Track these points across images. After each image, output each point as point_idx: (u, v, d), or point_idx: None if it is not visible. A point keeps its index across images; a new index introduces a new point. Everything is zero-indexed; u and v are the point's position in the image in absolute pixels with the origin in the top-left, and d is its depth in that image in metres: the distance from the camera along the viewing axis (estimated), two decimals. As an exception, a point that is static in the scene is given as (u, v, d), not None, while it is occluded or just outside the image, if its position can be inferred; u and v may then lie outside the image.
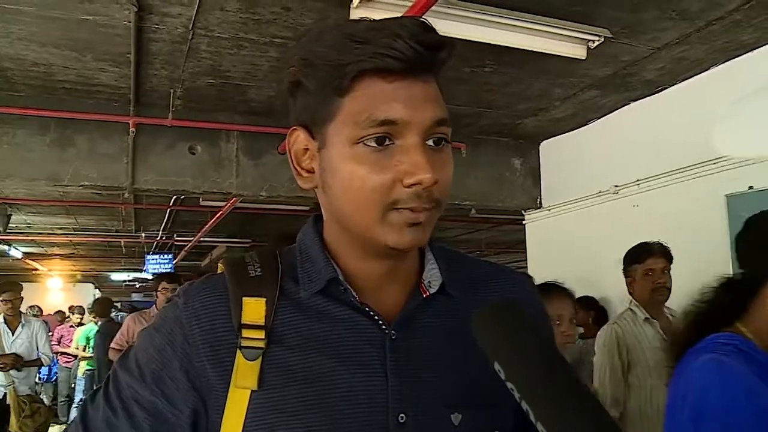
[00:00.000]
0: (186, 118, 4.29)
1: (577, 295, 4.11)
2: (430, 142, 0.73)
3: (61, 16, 2.99)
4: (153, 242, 10.82)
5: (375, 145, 0.71)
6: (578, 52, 3.17)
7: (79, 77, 3.79)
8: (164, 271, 11.51)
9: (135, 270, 15.21)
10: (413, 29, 0.71)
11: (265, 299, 0.78)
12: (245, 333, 0.76)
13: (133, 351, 0.81)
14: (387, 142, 0.72)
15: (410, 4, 2.62)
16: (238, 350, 0.76)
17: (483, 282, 0.88)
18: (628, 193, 4.30)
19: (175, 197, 6.64)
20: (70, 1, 2.82)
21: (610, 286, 4.25)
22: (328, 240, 0.83)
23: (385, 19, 0.74)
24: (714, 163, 3.59)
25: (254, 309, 0.78)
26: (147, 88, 3.99)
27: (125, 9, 2.90)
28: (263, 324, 0.77)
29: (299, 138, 0.80)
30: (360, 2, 2.70)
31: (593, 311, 4.37)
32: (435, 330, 0.81)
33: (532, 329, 0.58)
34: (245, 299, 0.78)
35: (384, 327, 0.78)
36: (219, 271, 0.84)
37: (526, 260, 5.54)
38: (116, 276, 17.26)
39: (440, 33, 0.73)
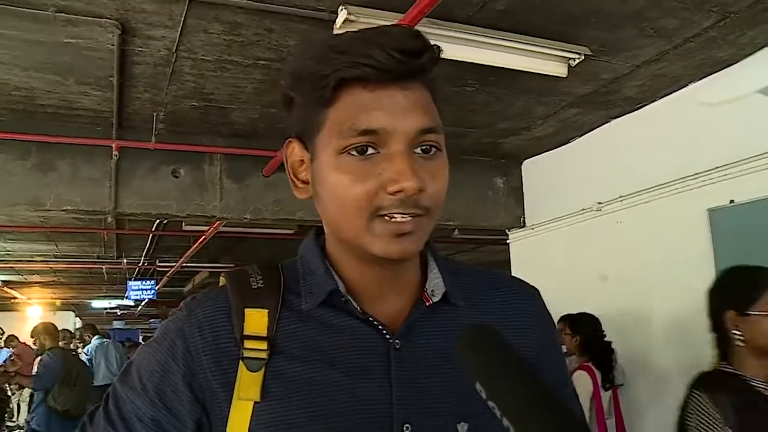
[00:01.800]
0: (169, 141, 4.27)
1: (562, 312, 4.14)
2: (419, 150, 0.73)
3: (44, 40, 2.98)
4: (135, 268, 10.71)
5: (359, 154, 0.72)
6: (559, 70, 3.21)
7: (61, 101, 3.77)
8: (147, 297, 11.43)
9: (117, 297, 15.05)
10: (395, 37, 0.71)
11: (267, 310, 0.79)
12: (247, 344, 0.76)
13: (134, 366, 0.80)
14: (371, 151, 0.72)
15: (393, 23, 2.65)
16: (241, 361, 0.76)
17: (488, 292, 0.88)
18: (610, 210, 4.33)
19: (157, 222, 6.60)
20: (54, 25, 2.81)
21: (595, 303, 4.28)
22: (329, 251, 0.84)
23: (371, 28, 0.75)
24: (695, 178, 3.64)
25: (256, 320, 0.78)
26: (130, 111, 3.98)
27: (109, 32, 2.90)
28: (266, 335, 0.77)
29: (295, 150, 0.81)
30: (343, 23, 2.72)
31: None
32: (439, 339, 0.80)
33: (508, 350, 0.59)
34: (247, 311, 0.78)
35: (388, 336, 0.78)
36: (221, 284, 0.84)
37: (510, 279, 5.54)
38: (97, 303, 17.04)
39: (426, 40, 0.73)
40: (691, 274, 3.58)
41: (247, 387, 0.75)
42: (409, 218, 0.72)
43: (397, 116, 0.71)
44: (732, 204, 3.43)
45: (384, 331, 0.79)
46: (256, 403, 0.74)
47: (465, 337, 0.62)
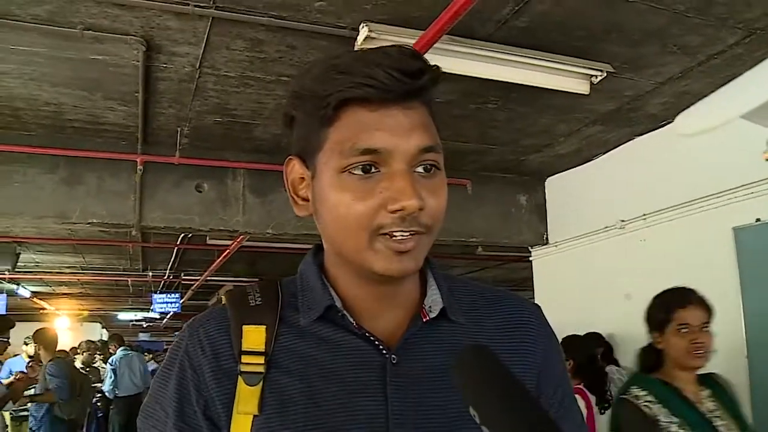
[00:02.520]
0: (193, 156, 4.33)
1: (584, 331, 4.09)
2: (420, 169, 0.74)
3: (72, 57, 3.05)
4: (160, 281, 10.83)
5: (361, 173, 0.72)
6: (582, 87, 3.20)
7: (88, 116, 3.85)
8: (171, 310, 11.51)
9: (142, 309, 15.20)
10: (395, 57, 0.72)
11: (265, 326, 0.80)
12: (245, 359, 0.77)
13: (152, 399, 0.82)
14: (373, 170, 0.72)
15: (414, 41, 2.66)
16: (239, 376, 0.77)
17: (488, 308, 0.88)
18: (634, 228, 4.28)
19: (182, 236, 6.67)
20: (81, 42, 2.88)
21: (617, 321, 4.22)
22: (327, 267, 0.85)
23: (372, 48, 0.76)
24: (720, 196, 3.58)
25: (254, 336, 0.79)
26: (154, 126, 4.05)
27: (134, 49, 2.96)
28: (263, 350, 0.78)
29: (295, 168, 0.82)
30: (364, 40, 2.74)
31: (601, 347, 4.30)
32: (436, 355, 0.80)
33: (504, 374, 0.59)
34: (245, 327, 0.80)
35: (384, 352, 0.78)
36: (222, 303, 0.86)
37: (533, 297, 5.50)
38: (123, 315, 17.23)
39: (425, 60, 0.74)
40: (716, 294, 3.50)
41: (246, 401, 0.76)
42: (409, 236, 0.73)
43: (398, 136, 0.72)
44: (758, 222, 3.38)
45: (381, 347, 0.79)
46: (255, 416, 0.75)
47: (461, 359, 0.62)
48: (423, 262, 0.79)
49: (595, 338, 4.24)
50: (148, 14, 2.70)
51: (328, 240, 0.81)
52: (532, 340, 0.86)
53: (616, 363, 4.25)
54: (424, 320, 0.82)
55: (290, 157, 0.83)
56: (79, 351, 9.48)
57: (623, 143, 4.42)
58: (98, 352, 10.11)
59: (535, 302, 0.91)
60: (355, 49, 2.80)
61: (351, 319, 0.79)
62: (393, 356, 0.78)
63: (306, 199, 0.82)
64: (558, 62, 3.07)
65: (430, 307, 0.83)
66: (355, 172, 0.72)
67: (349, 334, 0.79)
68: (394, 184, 0.71)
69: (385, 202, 0.71)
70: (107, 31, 2.82)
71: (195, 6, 2.62)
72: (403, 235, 0.72)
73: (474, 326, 0.84)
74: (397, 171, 0.72)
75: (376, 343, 0.79)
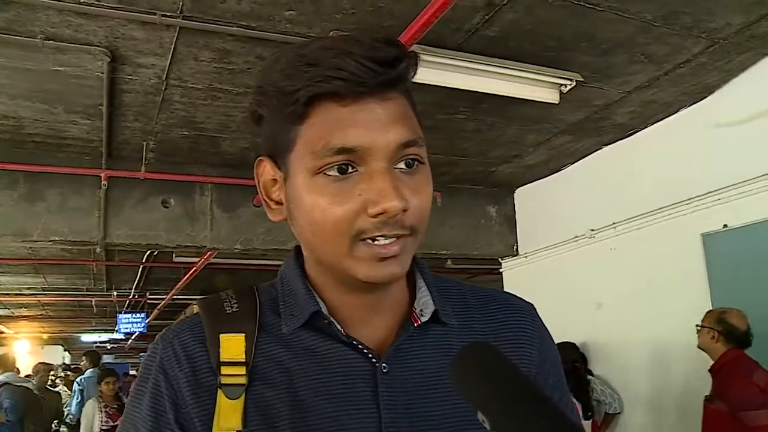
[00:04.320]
0: (159, 171, 4.25)
1: (557, 341, 4.10)
2: (402, 165, 0.68)
3: (32, 68, 2.96)
4: (125, 301, 10.60)
5: (336, 174, 0.67)
6: (551, 96, 3.22)
7: (49, 130, 3.75)
8: (137, 330, 11.27)
9: (106, 330, 14.87)
10: (368, 45, 0.66)
11: (244, 334, 0.74)
12: (224, 370, 0.72)
13: (126, 419, 0.76)
14: (350, 170, 0.67)
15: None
16: (219, 390, 0.71)
17: (482, 309, 0.84)
18: (604, 237, 4.32)
19: (148, 253, 6.54)
20: (42, 52, 2.80)
21: (589, 330, 4.24)
22: (308, 272, 0.79)
23: (341, 36, 0.70)
24: (688, 203, 3.63)
25: (233, 345, 0.73)
26: (119, 140, 3.96)
27: (98, 60, 2.88)
28: (243, 360, 0.73)
29: (266, 169, 0.76)
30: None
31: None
32: (429, 361, 0.76)
33: (511, 370, 0.54)
34: (222, 336, 0.74)
35: (374, 360, 0.74)
36: (195, 312, 0.80)
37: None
38: (87, 337, 16.82)
39: (401, 46, 0.68)
40: (686, 300, 3.55)
41: (227, 416, 0.70)
42: (394, 239, 0.68)
43: (375, 131, 0.66)
44: (726, 228, 3.42)
45: (370, 355, 0.74)
46: None
47: (460, 359, 0.57)
48: (410, 263, 0.74)
49: (571, 347, 4.26)
50: (112, 24, 2.64)
51: (306, 246, 0.76)
52: (529, 341, 0.83)
53: (589, 372, 4.26)
54: (416, 325, 0.77)
55: (260, 157, 0.77)
56: (33, 374, 9.16)
57: (592, 152, 4.46)
58: (54, 376, 9.64)
59: (529, 301, 0.88)
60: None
61: (338, 327, 0.74)
62: (384, 365, 0.73)
63: (280, 203, 0.76)
64: (528, 71, 3.08)
65: (421, 310, 0.78)
66: (330, 173, 0.67)
67: (335, 342, 0.74)
68: (374, 184, 0.66)
69: (365, 205, 0.66)
70: (69, 41, 2.75)
71: (161, 15, 2.56)
72: (387, 240, 0.67)
73: (467, 328, 0.80)
74: (376, 170, 0.66)
75: (365, 351, 0.74)
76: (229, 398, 0.71)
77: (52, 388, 8.02)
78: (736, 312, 3.03)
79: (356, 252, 0.68)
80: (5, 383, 5.87)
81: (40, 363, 9.43)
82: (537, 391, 0.52)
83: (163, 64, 2.98)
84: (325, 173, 0.67)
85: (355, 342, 0.74)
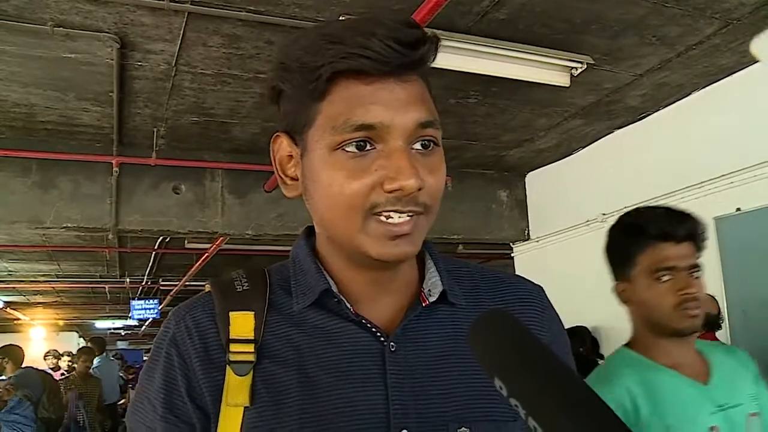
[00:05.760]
0: (170, 157, 4.27)
1: (568, 325, 4.10)
2: (418, 146, 0.70)
3: (43, 55, 2.97)
4: (138, 287, 10.68)
5: (355, 150, 0.68)
6: (562, 79, 3.19)
7: (61, 117, 3.77)
8: (150, 317, 11.36)
9: (120, 317, 15.00)
10: (391, 26, 0.67)
11: (253, 313, 0.76)
12: (233, 347, 0.73)
13: (139, 393, 0.78)
14: (368, 147, 0.68)
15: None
16: (228, 366, 0.72)
17: (491, 290, 0.84)
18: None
19: (160, 240, 6.58)
20: (52, 40, 2.81)
21: (601, 315, 4.22)
22: (320, 250, 0.80)
23: (365, 17, 0.71)
24: (700, 187, 3.60)
25: (242, 323, 0.75)
26: (130, 127, 3.97)
27: (108, 46, 2.89)
28: (252, 337, 0.74)
29: (283, 144, 0.77)
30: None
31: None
32: (437, 340, 0.77)
33: (530, 337, 0.54)
34: (232, 314, 0.75)
35: (382, 339, 0.75)
36: (206, 291, 0.81)
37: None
38: (101, 323, 16.99)
39: (423, 29, 0.69)
40: (698, 284, 3.52)
41: (236, 392, 0.72)
42: (407, 218, 0.69)
43: (395, 110, 0.68)
44: (738, 212, 3.40)
45: (378, 334, 0.75)
46: (246, 408, 0.71)
47: (479, 325, 0.56)
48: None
49: (583, 331, 4.26)
50: (121, 10, 2.64)
51: (319, 222, 0.77)
52: (538, 323, 0.83)
53: (601, 356, 4.26)
54: (424, 305, 0.78)
55: (277, 133, 0.78)
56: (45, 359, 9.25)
57: (603, 136, 4.43)
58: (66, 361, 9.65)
59: (538, 284, 0.88)
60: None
61: (348, 305, 0.75)
62: (392, 343, 0.74)
63: (295, 179, 0.77)
64: (538, 54, 3.06)
65: (429, 290, 0.78)
66: (349, 149, 0.68)
67: (344, 321, 0.75)
68: (392, 162, 0.67)
69: (381, 181, 0.67)
70: (79, 28, 2.75)
71: (170, 1, 2.56)
72: (400, 217, 0.68)
73: (475, 309, 0.80)
74: (395, 148, 0.68)
75: (374, 330, 0.75)
76: (237, 375, 0.72)
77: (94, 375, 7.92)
78: (707, 297, 3.05)
79: (369, 228, 0.69)
80: (27, 367, 5.95)
81: (52, 350, 9.56)
82: (555, 359, 0.51)
83: (173, 50, 2.99)
84: (343, 149, 0.68)
85: (364, 321, 0.75)
